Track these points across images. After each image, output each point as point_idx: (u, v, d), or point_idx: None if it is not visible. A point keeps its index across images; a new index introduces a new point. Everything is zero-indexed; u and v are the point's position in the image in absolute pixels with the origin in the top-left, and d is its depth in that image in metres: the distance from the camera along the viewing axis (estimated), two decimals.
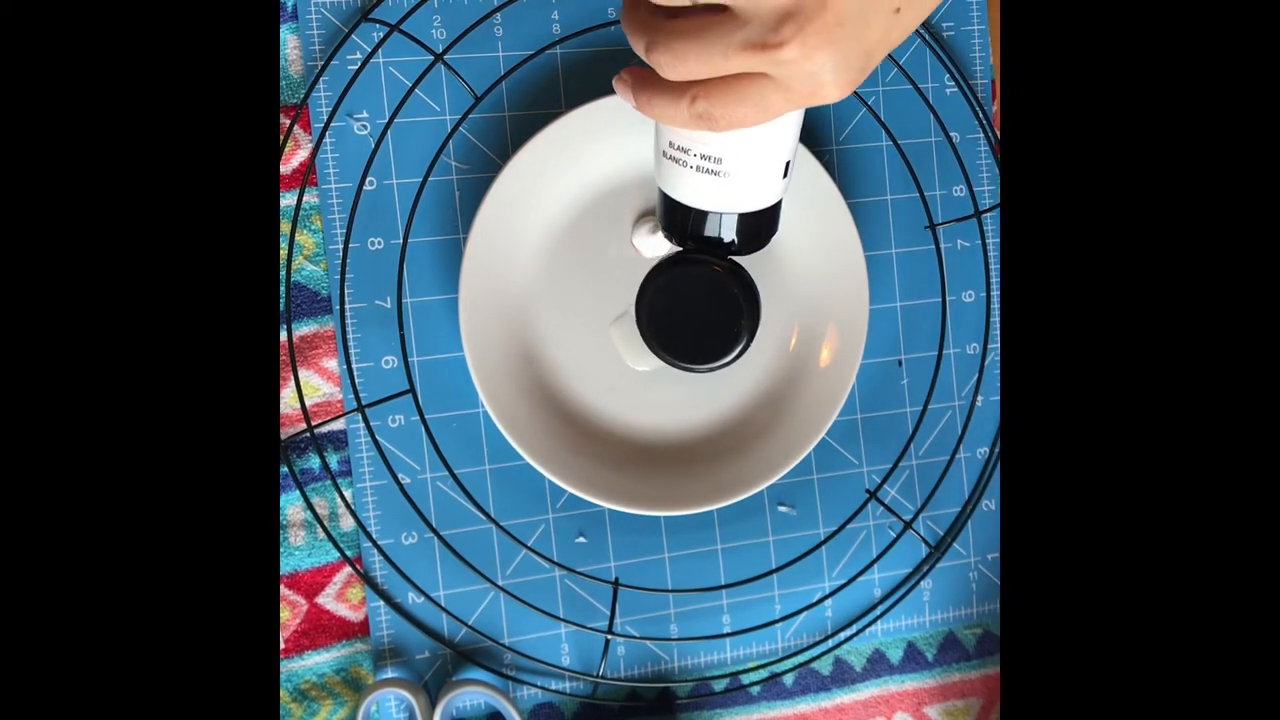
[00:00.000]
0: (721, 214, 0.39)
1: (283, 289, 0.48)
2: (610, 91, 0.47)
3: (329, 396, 0.49)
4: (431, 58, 0.49)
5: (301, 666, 0.49)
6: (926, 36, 0.53)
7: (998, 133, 0.55)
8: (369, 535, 0.49)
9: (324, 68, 0.48)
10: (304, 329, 0.49)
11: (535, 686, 0.51)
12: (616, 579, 0.52)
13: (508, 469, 0.51)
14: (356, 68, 0.48)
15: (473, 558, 0.50)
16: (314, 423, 0.49)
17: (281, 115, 0.48)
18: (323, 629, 0.49)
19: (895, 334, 0.54)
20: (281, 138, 0.48)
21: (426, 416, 0.50)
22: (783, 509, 0.53)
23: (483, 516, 0.50)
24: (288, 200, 0.48)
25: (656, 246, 0.49)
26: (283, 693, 0.49)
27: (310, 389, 0.49)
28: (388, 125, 0.48)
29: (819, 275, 0.50)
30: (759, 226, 0.40)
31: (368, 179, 0.49)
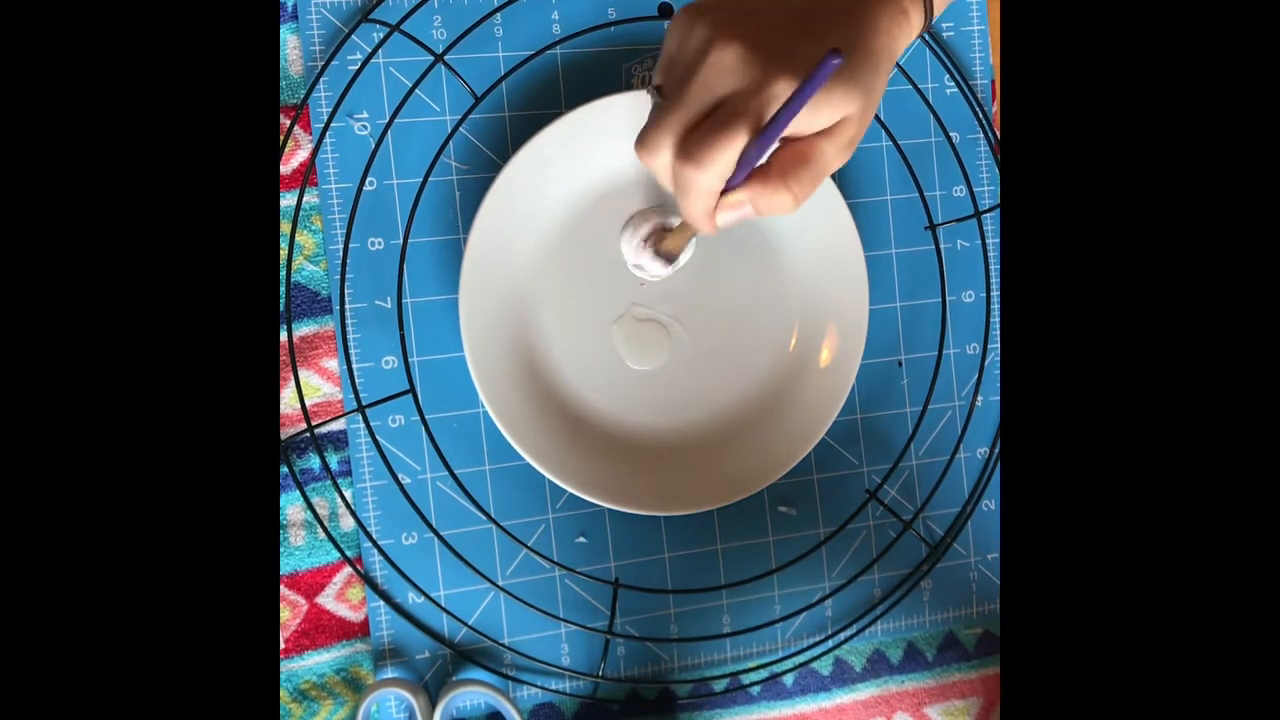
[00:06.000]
0: None
1: (283, 289, 0.48)
2: (608, 91, 0.47)
3: (329, 396, 0.49)
4: (431, 58, 0.49)
5: (301, 666, 0.49)
6: (926, 37, 0.53)
7: (998, 133, 0.55)
8: (369, 535, 0.49)
9: (324, 68, 0.48)
10: (304, 329, 0.49)
11: (535, 686, 0.51)
12: (616, 579, 0.52)
13: (508, 469, 0.51)
14: (357, 68, 0.48)
15: (473, 558, 0.50)
16: (314, 423, 0.49)
17: (281, 115, 0.48)
18: (323, 629, 0.49)
19: (895, 334, 0.54)
20: (281, 138, 0.48)
21: (426, 416, 0.50)
22: (783, 509, 0.53)
23: (483, 516, 0.50)
24: (288, 200, 0.48)
25: (651, 267, 0.49)
26: (283, 693, 0.49)
27: (310, 389, 0.49)
28: (388, 125, 0.48)
29: (819, 275, 0.50)
30: None
31: (368, 179, 0.49)
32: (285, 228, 0.48)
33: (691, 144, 0.35)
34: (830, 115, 0.35)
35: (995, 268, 0.54)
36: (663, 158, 0.36)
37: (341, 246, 0.49)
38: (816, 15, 0.35)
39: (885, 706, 0.54)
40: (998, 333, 0.55)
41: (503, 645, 0.51)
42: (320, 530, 0.49)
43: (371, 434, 0.49)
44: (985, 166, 0.55)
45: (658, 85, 0.37)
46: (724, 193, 0.36)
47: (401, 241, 0.49)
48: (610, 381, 0.50)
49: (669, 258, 0.45)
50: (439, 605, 0.50)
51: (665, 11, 0.51)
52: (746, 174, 0.35)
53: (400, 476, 0.50)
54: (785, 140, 0.35)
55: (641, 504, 0.49)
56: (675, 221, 0.46)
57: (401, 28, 0.48)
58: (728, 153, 0.34)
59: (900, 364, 0.54)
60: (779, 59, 0.34)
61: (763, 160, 0.36)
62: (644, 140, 0.36)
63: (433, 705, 0.49)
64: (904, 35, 0.37)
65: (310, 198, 0.49)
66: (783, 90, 0.33)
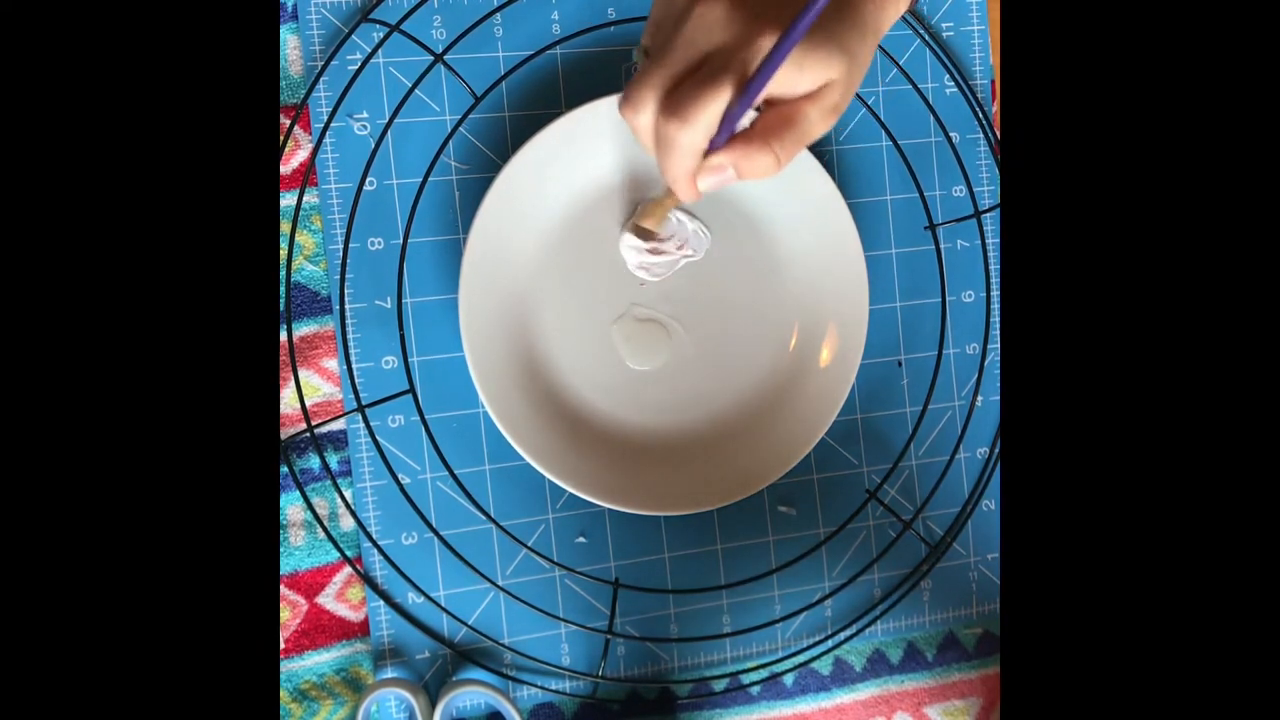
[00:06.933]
0: None
1: (283, 289, 0.48)
2: (608, 91, 0.47)
3: (329, 396, 0.49)
4: (431, 58, 0.49)
5: (301, 666, 0.49)
6: (926, 37, 0.53)
7: (998, 133, 0.55)
8: (369, 535, 0.49)
9: (324, 68, 0.48)
10: (304, 329, 0.49)
11: (535, 686, 0.51)
12: (616, 579, 0.52)
13: (508, 469, 0.51)
14: (356, 68, 0.48)
15: (473, 558, 0.50)
16: (314, 423, 0.49)
17: (281, 115, 0.48)
18: (323, 629, 0.49)
19: (895, 334, 0.54)
20: (281, 138, 0.48)
21: (426, 416, 0.50)
22: (783, 509, 0.53)
23: (483, 516, 0.50)
24: (288, 200, 0.48)
25: (651, 267, 0.49)
26: (283, 693, 0.49)
27: (310, 389, 0.49)
28: (388, 125, 0.48)
29: (819, 275, 0.50)
30: None
31: (368, 179, 0.49)
32: (285, 228, 0.48)
33: (675, 99, 0.34)
34: (814, 78, 0.34)
35: (995, 268, 0.54)
36: (646, 114, 0.35)
37: (341, 246, 0.49)
38: None
39: (885, 706, 0.54)
40: (998, 333, 0.55)
41: (503, 645, 0.51)
42: (320, 530, 0.49)
43: (371, 434, 0.49)
44: (985, 166, 0.55)
45: (645, 47, 0.37)
46: (706, 154, 0.36)
47: (401, 241, 0.49)
48: (610, 381, 0.50)
49: (646, 235, 0.45)
50: (439, 605, 0.50)
51: None
52: (730, 134, 0.35)
53: (400, 476, 0.50)
54: (769, 103, 0.35)
55: (641, 504, 0.49)
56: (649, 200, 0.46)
57: (401, 28, 0.48)
58: (712, 108, 0.34)
59: (900, 364, 0.54)
60: (764, 15, 0.33)
61: (746, 124, 0.35)
62: (628, 96, 0.36)
63: (433, 705, 0.49)
64: (892, 6, 0.37)
65: (310, 198, 0.49)
66: (768, 45, 0.33)
